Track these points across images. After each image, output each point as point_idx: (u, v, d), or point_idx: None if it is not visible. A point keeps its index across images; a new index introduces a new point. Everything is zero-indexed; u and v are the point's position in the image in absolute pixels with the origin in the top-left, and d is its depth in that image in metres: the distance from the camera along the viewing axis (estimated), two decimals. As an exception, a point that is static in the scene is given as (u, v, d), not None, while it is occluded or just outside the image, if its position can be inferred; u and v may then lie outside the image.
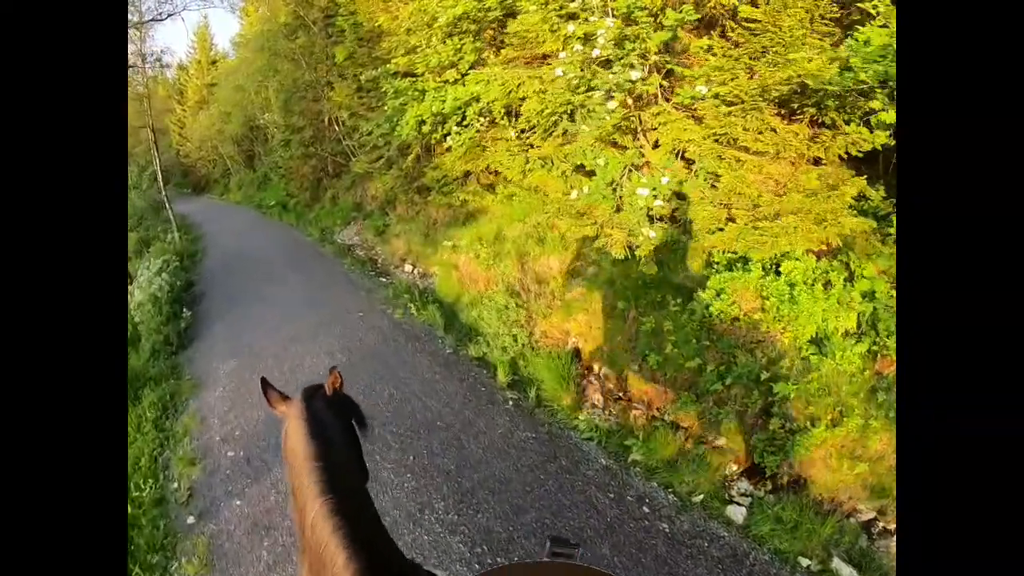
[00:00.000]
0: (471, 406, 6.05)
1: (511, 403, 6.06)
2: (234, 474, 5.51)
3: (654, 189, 6.33)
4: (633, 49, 5.99)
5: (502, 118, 8.98)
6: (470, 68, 8.85)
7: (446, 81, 9.41)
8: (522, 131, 8.69)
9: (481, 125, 8.99)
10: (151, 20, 16.09)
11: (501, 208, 9.76)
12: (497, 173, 10.02)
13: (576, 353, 6.63)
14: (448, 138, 9.21)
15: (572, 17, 6.64)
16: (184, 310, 9.52)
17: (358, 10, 12.29)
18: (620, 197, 6.76)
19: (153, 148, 18.61)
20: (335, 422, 1.78)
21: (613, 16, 6.20)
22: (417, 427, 5.74)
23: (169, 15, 15.85)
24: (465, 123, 9.06)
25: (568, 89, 6.80)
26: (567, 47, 6.77)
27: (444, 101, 8.92)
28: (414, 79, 9.57)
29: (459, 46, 8.95)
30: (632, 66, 6.06)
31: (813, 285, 5.22)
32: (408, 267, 11.07)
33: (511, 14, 8.07)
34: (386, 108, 10.07)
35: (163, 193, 18.82)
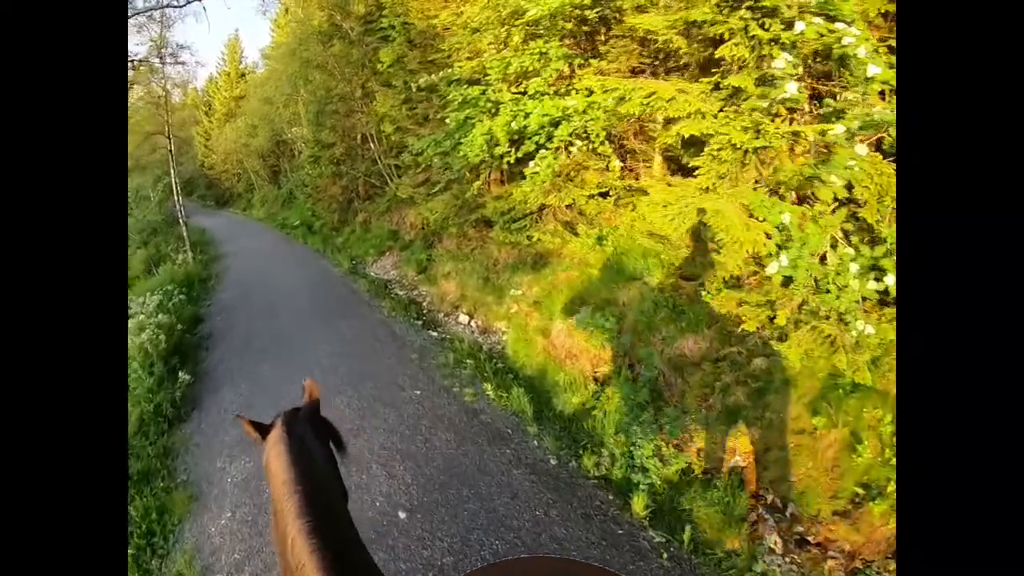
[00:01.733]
0: (613, 561, 3.94)
1: (664, 553, 4.00)
2: None
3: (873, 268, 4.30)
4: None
5: (601, 143, 6.99)
6: (569, 76, 6.92)
7: (523, 92, 7.47)
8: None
9: (581, 149, 6.97)
10: (166, 6, 14.31)
11: (589, 255, 7.71)
12: (581, 212, 8.03)
13: (740, 477, 4.59)
14: (531, 162, 7.19)
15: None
16: (181, 372, 7.42)
17: (410, 8, 10.41)
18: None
19: (169, 157, 16.86)
20: (315, 445, 1.76)
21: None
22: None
23: (188, 1, 13.97)
24: (552, 145, 7.07)
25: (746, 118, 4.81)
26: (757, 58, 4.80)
27: (528, 116, 6.94)
28: (485, 88, 7.61)
29: (544, 49, 7.00)
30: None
31: None
32: (463, 317, 9.03)
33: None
34: (448, 121, 8.09)
35: (179, 207, 17.03)
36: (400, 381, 6.77)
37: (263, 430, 1.79)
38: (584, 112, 6.66)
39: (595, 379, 6.02)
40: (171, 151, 16.83)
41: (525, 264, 8.79)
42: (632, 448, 4.95)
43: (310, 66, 17.45)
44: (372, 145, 15.29)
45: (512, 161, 7.58)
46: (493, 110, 7.39)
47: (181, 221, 16.98)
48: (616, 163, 7.39)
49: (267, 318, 10.18)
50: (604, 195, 7.83)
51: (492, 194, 9.24)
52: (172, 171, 17.13)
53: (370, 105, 14.93)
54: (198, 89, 45.56)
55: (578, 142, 7.03)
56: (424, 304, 10.07)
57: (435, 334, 8.60)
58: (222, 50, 41.24)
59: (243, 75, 39.36)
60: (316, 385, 2.01)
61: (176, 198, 17.38)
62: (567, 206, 8.03)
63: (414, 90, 9.98)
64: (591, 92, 6.41)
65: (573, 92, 6.80)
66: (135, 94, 17.33)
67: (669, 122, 6.01)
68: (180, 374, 7.27)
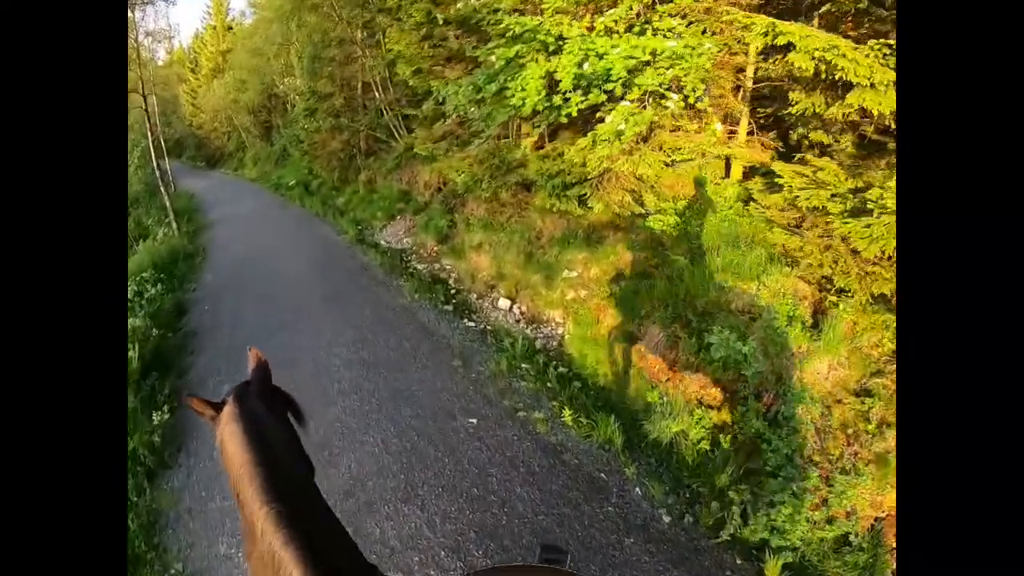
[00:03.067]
0: None
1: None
2: None
3: None
4: None
5: (697, 99, 5.44)
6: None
7: (591, 28, 5.85)
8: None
9: (677, 103, 5.40)
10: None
11: (666, 235, 6.20)
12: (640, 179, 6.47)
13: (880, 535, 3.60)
14: (609, 117, 5.60)
15: None
16: (156, 413, 5.61)
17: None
18: None
19: (145, 118, 15.03)
20: (271, 419, 1.57)
21: None
22: None
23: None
24: (631, 96, 5.48)
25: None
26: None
27: (603, 57, 5.33)
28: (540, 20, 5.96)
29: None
30: None
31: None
32: (503, 302, 7.55)
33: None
34: (493, 59, 6.42)
35: (158, 173, 15.29)
36: (447, 403, 5.22)
37: (216, 408, 1.59)
38: (680, 58, 5.07)
39: (700, 402, 4.60)
40: (146, 111, 14.94)
41: (576, 238, 7.29)
42: (768, 507, 3.63)
43: (303, 7, 15.49)
44: (377, 94, 13.49)
45: (573, 113, 5.98)
46: (553, 47, 5.76)
47: (163, 189, 15.22)
48: (717, 125, 5.84)
49: (263, 306, 8.57)
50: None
51: (535, 152, 7.67)
52: (149, 133, 15.24)
53: (375, 48, 13.14)
54: (184, 46, 43.64)
55: (672, 95, 5.44)
56: (450, 282, 8.55)
57: (472, 324, 7.13)
58: (207, 2, 38.86)
59: (230, 28, 37.21)
60: (260, 352, 1.77)
61: (154, 163, 15.52)
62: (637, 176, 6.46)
63: (440, 23, 8.16)
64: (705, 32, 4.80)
65: (665, 32, 5.18)
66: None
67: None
68: (154, 415, 5.55)
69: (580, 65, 5.45)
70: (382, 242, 11.03)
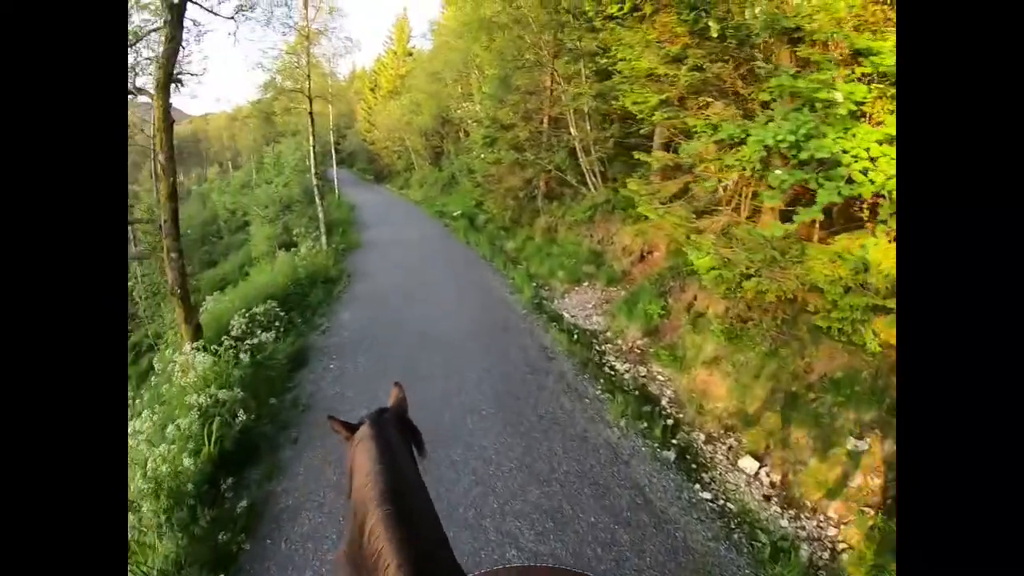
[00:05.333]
0: None
1: None
2: None
3: None
4: None
5: None
6: None
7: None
8: None
9: None
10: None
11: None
12: None
13: None
14: None
15: None
16: (239, 534, 4.06)
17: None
18: None
19: (309, 121, 14.35)
20: (401, 445, 1.77)
21: None
22: None
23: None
24: None
25: None
26: None
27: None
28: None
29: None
30: None
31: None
32: (746, 461, 4.97)
33: None
34: (838, 97, 3.99)
35: (315, 182, 14.41)
36: None
37: (351, 429, 1.83)
38: None
39: None
40: (311, 114, 14.16)
41: (864, 388, 4.67)
42: None
43: (493, 27, 13.95)
44: (572, 131, 11.53)
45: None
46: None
47: (318, 199, 14.30)
48: None
49: (407, 381, 6.17)
50: None
51: (819, 246, 5.13)
52: (311, 137, 14.45)
53: (575, 77, 11.22)
54: (365, 68, 46.29)
55: None
56: (663, 402, 6.13)
57: (706, 495, 4.68)
58: (390, 29, 41.20)
59: (410, 54, 38.37)
60: (402, 390, 2.06)
61: (312, 170, 14.66)
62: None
63: (715, 33, 5.54)
64: None
65: None
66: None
67: None
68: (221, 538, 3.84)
69: None
70: (566, 314, 8.85)
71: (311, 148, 14.48)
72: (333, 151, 32.53)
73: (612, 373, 6.72)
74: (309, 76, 14.23)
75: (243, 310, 7.46)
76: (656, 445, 5.24)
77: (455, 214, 18.49)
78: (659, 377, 6.53)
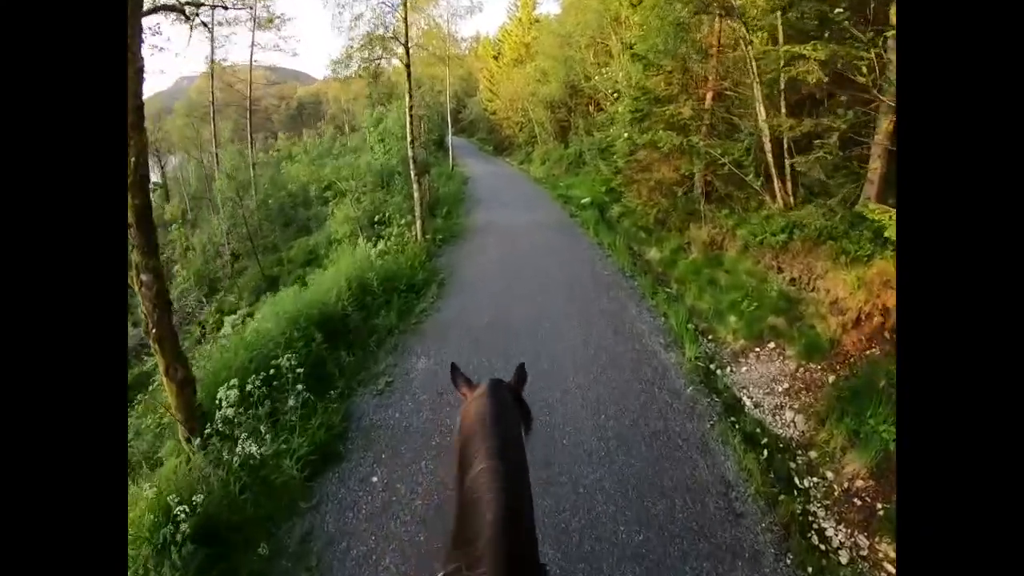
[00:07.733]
0: None
1: None
2: None
3: None
4: None
5: None
6: None
7: None
8: None
9: None
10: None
11: None
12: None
13: None
14: None
15: None
16: None
17: None
18: None
19: (408, 84, 11.81)
20: (514, 411, 1.88)
21: None
22: None
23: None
24: None
25: None
26: None
27: None
28: None
29: None
30: None
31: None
32: None
33: None
34: None
35: (411, 156, 11.77)
36: None
37: (470, 386, 2.01)
38: None
39: None
40: (408, 66, 11.66)
41: None
42: None
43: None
44: (759, 113, 8.33)
45: None
46: None
47: (414, 176, 11.76)
48: None
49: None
50: None
51: None
52: (407, 97, 11.80)
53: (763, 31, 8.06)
54: (489, 36, 44.06)
55: None
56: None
57: None
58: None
59: (536, 20, 35.63)
60: (525, 369, 2.20)
61: (409, 139, 11.94)
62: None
63: None
64: None
65: None
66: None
67: None
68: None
69: None
70: (745, 398, 5.70)
71: (407, 111, 11.83)
72: (449, 118, 30.35)
73: (821, 546, 3.78)
74: (406, 19, 11.52)
75: (232, 382, 4.59)
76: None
77: (583, 201, 15.67)
78: (889, 566, 3.52)
